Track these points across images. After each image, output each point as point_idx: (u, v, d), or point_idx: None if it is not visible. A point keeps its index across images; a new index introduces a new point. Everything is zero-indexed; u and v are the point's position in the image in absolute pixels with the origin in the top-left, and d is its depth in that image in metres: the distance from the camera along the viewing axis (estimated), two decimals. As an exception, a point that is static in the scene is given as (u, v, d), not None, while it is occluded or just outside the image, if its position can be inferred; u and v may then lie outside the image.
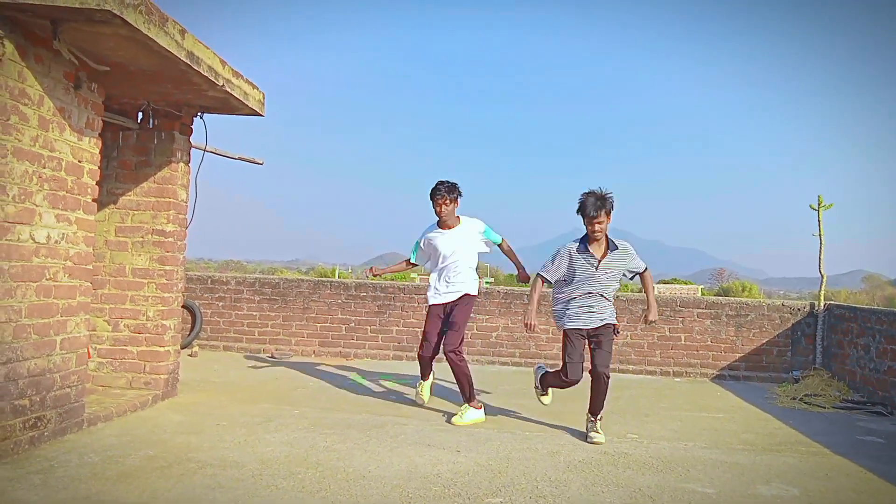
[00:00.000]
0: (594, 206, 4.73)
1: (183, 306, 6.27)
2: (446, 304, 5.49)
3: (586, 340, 4.96)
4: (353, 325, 8.51)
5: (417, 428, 4.97)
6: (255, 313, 8.64)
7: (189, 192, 5.74)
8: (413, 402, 5.86)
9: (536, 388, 5.32)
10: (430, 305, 5.54)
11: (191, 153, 5.76)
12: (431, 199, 5.39)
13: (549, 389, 5.26)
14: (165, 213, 5.47)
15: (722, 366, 8.11)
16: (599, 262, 4.85)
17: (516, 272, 5.85)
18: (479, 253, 5.60)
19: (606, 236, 4.87)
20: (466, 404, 5.27)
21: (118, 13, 3.45)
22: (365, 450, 4.31)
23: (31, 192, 3.86)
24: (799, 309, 8.12)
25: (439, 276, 5.52)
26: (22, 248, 3.81)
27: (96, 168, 4.44)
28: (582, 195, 4.81)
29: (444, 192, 5.35)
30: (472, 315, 8.35)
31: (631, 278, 5.09)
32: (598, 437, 4.78)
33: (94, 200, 4.43)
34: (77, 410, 4.37)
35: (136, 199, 5.48)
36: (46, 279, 4.02)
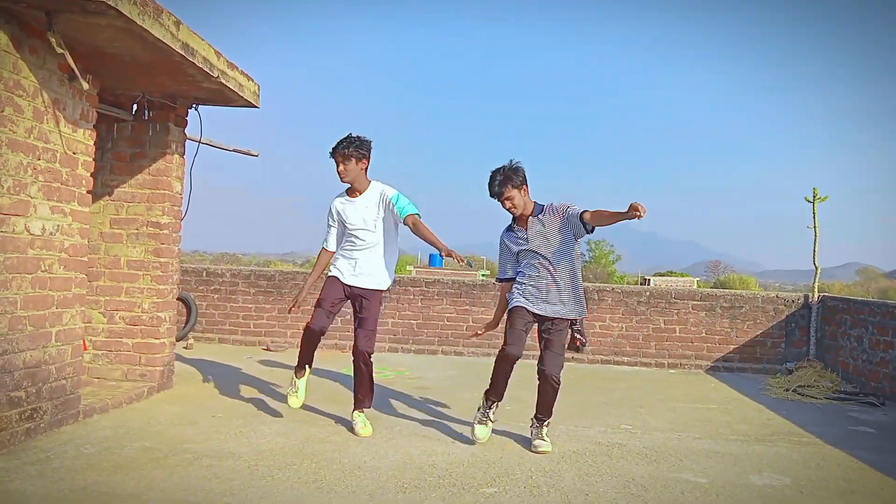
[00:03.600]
0: (499, 183, 4.27)
1: (178, 298, 6.28)
2: (351, 286, 4.56)
3: (533, 324, 4.37)
4: (348, 317, 8.45)
5: (413, 419, 4.99)
6: (250, 305, 8.65)
7: (184, 184, 5.73)
8: (407, 394, 5.88)
9: (478, 410, 4.49)
10: (329, 276, 4.64)
11: (185, 145, 5.75)
12: (331, 156, 4.51)
13: (489, 412, 4.44)
14: (160, 204, 5.46)
15: (716, 357, 8.16)
16: (527, 234, 4.33)
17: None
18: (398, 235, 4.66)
19: (535, 204, 4.36)
20: (361, 412, 4.61)
21: (113, 4, 3.44)
22: (360, 441, 4.33)
23: (26, 183, 3.85)
24: (793, 301, 8.17)
25: (344, 253, 4.63)
26: (17, 239, 3.81)
27: (91, 160, 4.43)
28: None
29: (344, 148, 4.44)
30: (467, 308, 8.43)
31: (590, 231, 4.22)
32: (543, 444, 4.27)
33: (88, 192, 4.42)
34: (73, 402, 4.38)
35: (131, 190, 5.48)
36: (42, 271, 4.02)
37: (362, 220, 4.55)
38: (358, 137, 4.49)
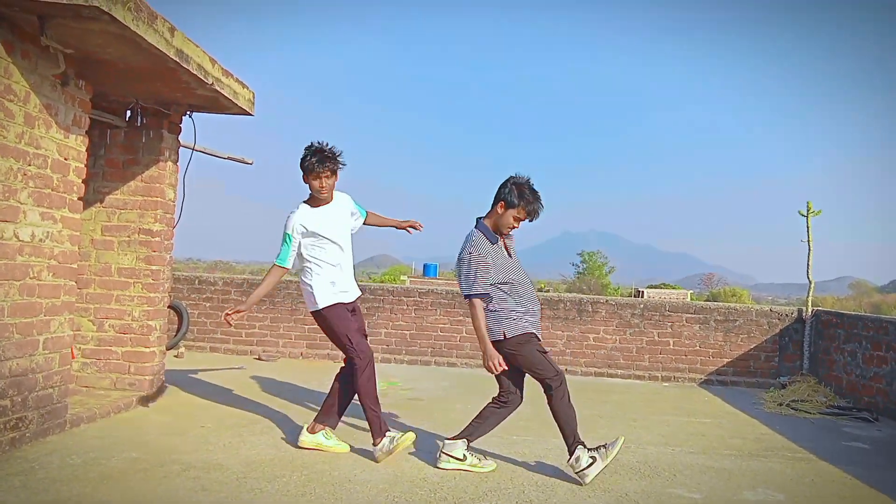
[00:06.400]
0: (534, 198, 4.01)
1: (169, 307, 6.22)
2: (352, 302, 4.40)
3: None
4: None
5: (404, 431, 4.93)
6: (242, 314, 8.58)
7: (177, 192, 5.70)
8: (400, 405, 5.83)
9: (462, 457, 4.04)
10: (336, 305, 4.25)
11: (179, 152, 5.72)
12: (308, 171, 4.17)
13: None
14: (153, 212, 5.42)
15: (710, 371, 8.14)
16: (513, 258, 4.11)
17: (396, 226, 4.70)
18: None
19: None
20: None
21: (106, 9, 3.42)
22: (351, 454, 4.28)
23: (16, 189, 3.81)
24: (787, 315, 8.16)
25: (331, 271, 4.27)
26: (6, 245, 3.77)
27: (83, 166, 4.40)
28: (512, 182, 4.01)
29: (334, 163, 4.19)
30: (460, 318, 8.39)
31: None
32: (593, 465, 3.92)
33: (79, 199, 4.38)
34: (59, 411, 4.31)
35: (123, 197, 5.43)
36: (30, 278, 3.97)
37: (342, 226, 4.35)
38: (337, 150, 4.23)
